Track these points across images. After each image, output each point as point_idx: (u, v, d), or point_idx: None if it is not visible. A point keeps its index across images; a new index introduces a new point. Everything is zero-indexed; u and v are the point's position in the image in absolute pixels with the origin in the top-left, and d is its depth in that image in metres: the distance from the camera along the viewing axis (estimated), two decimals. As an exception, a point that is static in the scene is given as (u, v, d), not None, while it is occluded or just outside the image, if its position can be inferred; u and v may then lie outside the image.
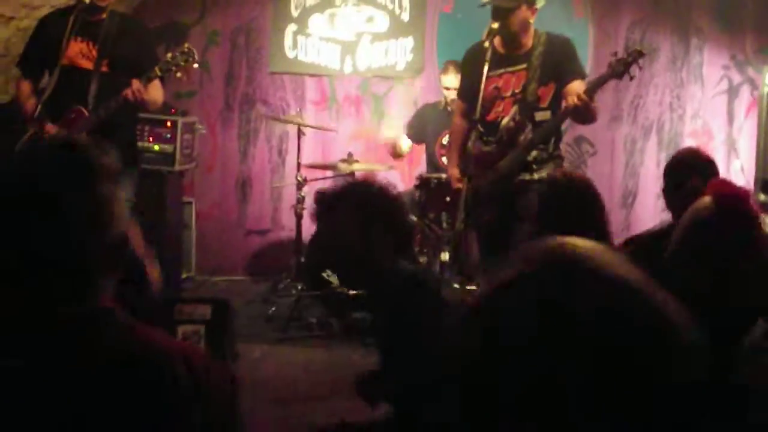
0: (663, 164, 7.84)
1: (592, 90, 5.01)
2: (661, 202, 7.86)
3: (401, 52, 8.25)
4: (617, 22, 8.02)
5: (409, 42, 8.23)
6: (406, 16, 8.23)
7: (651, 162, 8.03)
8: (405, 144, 7.70)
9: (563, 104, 5.14)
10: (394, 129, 7.93)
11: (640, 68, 5.00)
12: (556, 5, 7.94)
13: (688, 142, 7.92)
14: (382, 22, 8.26)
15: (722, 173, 7.75)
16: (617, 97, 7.99)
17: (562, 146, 7.53)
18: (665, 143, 8.00)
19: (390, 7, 8.23)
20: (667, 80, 7.99)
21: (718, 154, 7.90)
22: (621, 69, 4.94)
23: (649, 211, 8.03)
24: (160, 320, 4.91)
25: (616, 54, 5.02)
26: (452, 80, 6.89)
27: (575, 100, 4.94)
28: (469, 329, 1.22)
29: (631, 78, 5.00)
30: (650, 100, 8.01)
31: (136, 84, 5.37)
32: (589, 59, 7.73)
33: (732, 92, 7.97)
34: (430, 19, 8.21)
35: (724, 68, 7.96)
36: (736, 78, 7.97)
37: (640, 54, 4.95)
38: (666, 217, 7.78)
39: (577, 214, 3.79)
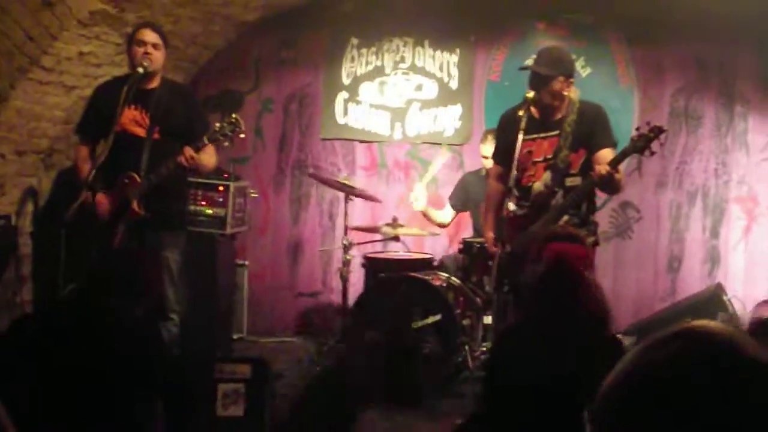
0: (708, 230, 7.96)
1: (615, 163, 5.14)
2: (707, 267, 7.98)
3: (449, 119, 8.43)
4: (662, 89, 8.11)
5: (457, 109, 8.41)
6: (454, 84, 8.41)
7: (696, 228, 8.07)
8: (445, 214, 7.77)
9: (591, 173, 5.27)
10: (431, 194, 7.96)
11: (662, 144, 5.13)
12: (601, 74, 8.11)
13: (734, 208, 7.97)
14: (431, 89, 8.45)
15: (768, 240, 7.85)
16: (663, 163, 8.06)
17: (605, 212, 7.72)
18: (710, 209, 8.03)
19: (439, 75, 8.43)
20: (711, 146, 8.05)
21: (764, 220, 7.93)
22: (642, 144, 5.09)
23: (695, 276, 8.05)
24: (202, 379, 5.08)
25: (638, 129, 5.14)
26: (490, 149, 7.01)
27: (601, 170, 5.08)
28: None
29: (652, 153, 5.13)
30: (695, 167, 8.07)
31: (188, 151, 5.59)
32: (634, 125, 7.80)
33: (778, 158, 8.00)
34: (478, 87, 8.39)
35: (770, 135, 8.01)
36: (782, 144, 8.00)
37: (661, 130, 5.09)
38: (710, 282, 7.84)
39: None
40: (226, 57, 8.57)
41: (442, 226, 7.86)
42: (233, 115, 5.75)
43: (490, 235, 5.71)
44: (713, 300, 7.52)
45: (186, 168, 5.72)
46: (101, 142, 5.91)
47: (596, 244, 5.68)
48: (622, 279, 8.10)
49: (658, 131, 5.09)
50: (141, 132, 5.78)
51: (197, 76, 8.52)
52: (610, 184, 5.29)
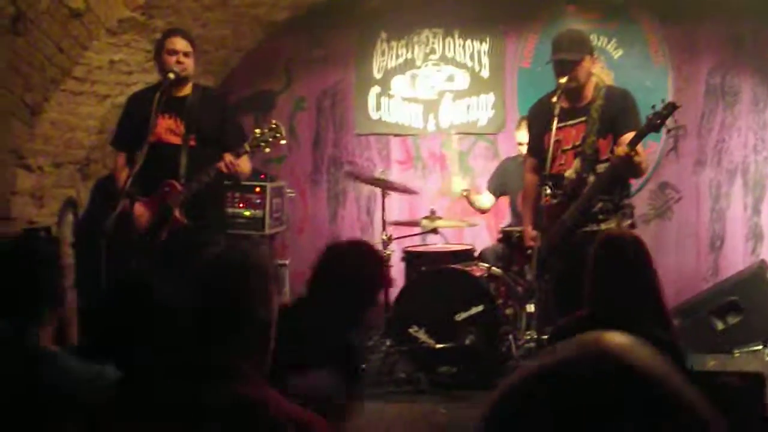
0: (750, 207, 7.88)
1: (633, 144, 5.08)
2: (750, 245, 7.89)
3: (483, 108, 8.40)
4: (697, 68, 8.03)
5: (490, 98, 8.39)
6: (485, 73, 8.39)
7: (737, 205, 7.99)
8: (485, 199, 7.76)
9: (609, 157, 5.24)
10: (469, 183, 7.93)
11: (676, 121, 5.08)
12: (634, 54, 8.04)
13: (776, 184, 7.90)
14: (462, 80, 8.43)
15: (808, 213, 7.76)
16: (700, 141, 7.99)
17: (644, 194, 7.66)
18: (750, 186, 7.95)
19: (469, 64, 8.40)
20: (750, 122, 7.96)
21: (803, 194, 7.86)
22: (657, 122, 5.04)
23: (738, 255, 7.97)
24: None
25: (654, 107, 5.09)
26: (526, 135, 6.99)
27: (619, 151, 5.05)
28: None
29: (669, 131, 5.10)
30: (734, 144, 7.98)
31: (228, 157, 5.61)
32: (670, 106, 7.75)
33: (817, 131, 7.90)
34: (510, 75, 8.35)
35: (808, 107, 7.90)
36: (821, 117, 7.89)
37: (674, 107, 5.04)
38: (754, 260, 7.75)
39: (629, 276, 3.84)
40: (256, 58, 8.58)
41: (482, 211, 7.82)
42: (273, 122, 5.78)
43: (529, 229, 5.70)
44: (757, 278, 7.44)
45: (225, 175, 5.74)
46: (137, 150, 5.95)
47: (633, 226, 5.64)
48: (663, 260, 7.96)
49: (672, 108, 5.05)
50: (176, 140, 5.79)
51: (228, 78, 8.55)
52: (631, 167, 5.24)
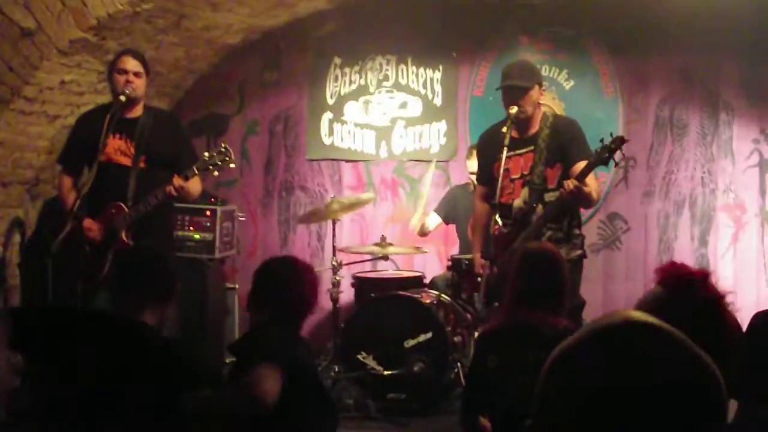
0: (697, 239, 7.96)
1: (582, 176, 5.17)
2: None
3: (435, 135, 8.43)
4: (647, 100, 8.12)
5: (442, 126, 8.42)
6: (438, 101, 8.42)
7: (685, 237, 8.07)
8: (431, 222, 7.79)
9: (560, 188, 5.30)
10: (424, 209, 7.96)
11: (624, 155, 5.19)
12: (585, 86, 8.12)
13: (721, 216, 7.97)
14: (415, 107, 8.46)
15: (756, 247, 7.85)
16: (649, 173, 8.07)
17: (593, 224, 7.73)
18: (698, 218, 8.04)
19: (423, 92, 8.43)
20: (698, 155, 8.05)
21: (751, 227, 7.94)
22: (605, 155, 5.12)
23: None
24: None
25: (602, 141, 5.16)
26: (475, 164, 7.02)
27: (569, 185, 5.11)
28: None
29: (616, 164, 5.19)
30: (682, 176, 8.07)
31: (177, 181, 5.56)
32: (620, 137, 7.83)
33: (764, 165, 7.97)
34: (462, 103, 8.40)
35: (755, 142, 7.99)
36: (767, 151, 8.00)
37: (622, 140, 5.13)
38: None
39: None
40: (209, 80, 8.56)
41: (424, 234, 7.84)
42: (223, 145, 5.73)
43: (478, 257, 5.74)
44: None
45: (173, 197, 5.71)
46: (85, 171, 5.90)
47: (583, 256, 5.70)
48: (612, 290, 8.09)
49: (619, 141, 5.13)
50: (126, 161, 5.75)
51: (181, 100, 8.52)
52: (580, 198, 5.32)
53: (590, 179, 5.25)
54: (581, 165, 5.29)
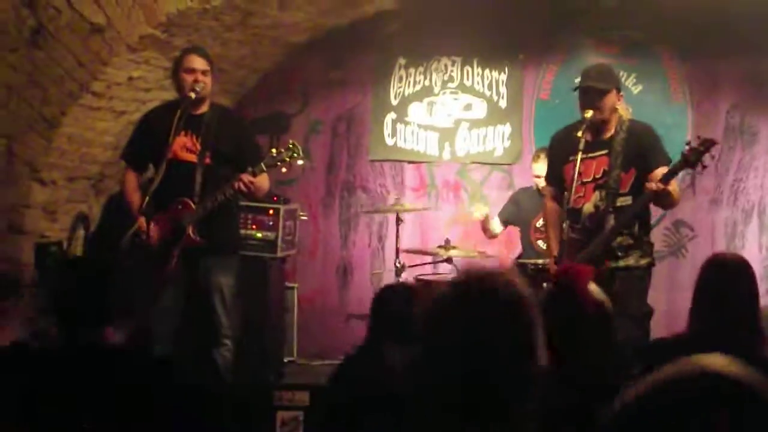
0: (765, 248, 7.81)
1: (666, 179, 5.06)
2: (765, 285, 7.80)
3: (499, 138, 8.35)
4: (716, 106, 7.99)
5: (506, 128, 8.34)
6: (503, 103, 8.34)
7: (753, 246, 7.92)
8: (496, 225, 7.69)
9: (644, 190, 5.20)
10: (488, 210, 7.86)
11: (713, 157, 5.07)
12: (653, 90, 8.00)
13: (790, 225, 7.83)
14: (480, 109, 8.39)
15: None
16: (717, 180, 7.94)
17: (658, 231, 7.60)
18: (766, 226, 7.89)
19: (488, 94, 8.36)
20: (767, 163, 7.91)
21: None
22: (694, 158, 5.02)
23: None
24: (259, 405, 5.03)
25: (689, 143, 5.06)
26: (542, 168, 6.89)
27: (653, 186, 5.01)
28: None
29: (704, 167, 5.07)
30: (751, 184, 7.93)
31: (246, 177, 5.56)
32: (688, 143, 7.71)
33: (834, 175, 7.84)
34: (527, 106, 8.31)
35: (826, 151, 7.85)
36: (838, 161, 7.84)
37: (713, 143, 5.03)
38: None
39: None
40: (273, 79, 8.54)
41: (493, 236, 7.75)
42: (291, 141, 5.74)
43: (552, 261, 5.60)
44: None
45: (241, 193, 5.70)
46: (150, 168, 5.91)
47: (652, 264, 5.59)
48: (676, 299, 7.93)
49: (709, 144, 5.04)
50: (192, 158, 5.75)
51: (245, 98, 8.51)
52: (665, 199, 5.24)
53: (672, 181, 5.17)
54: (662, 171, 5.19)
